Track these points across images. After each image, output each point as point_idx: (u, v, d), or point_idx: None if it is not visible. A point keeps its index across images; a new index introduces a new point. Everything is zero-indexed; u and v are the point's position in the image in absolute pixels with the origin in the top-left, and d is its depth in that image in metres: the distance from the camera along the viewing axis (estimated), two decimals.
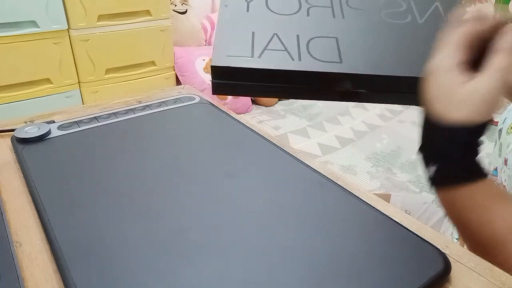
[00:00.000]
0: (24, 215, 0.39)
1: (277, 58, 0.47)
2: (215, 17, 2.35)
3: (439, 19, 0.59)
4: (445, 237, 0.38)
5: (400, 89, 0.50)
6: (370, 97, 0.47)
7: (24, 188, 0.42)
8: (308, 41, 0.49)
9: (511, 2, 1.94)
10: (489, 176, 0.36)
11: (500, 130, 0.57)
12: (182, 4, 2.17)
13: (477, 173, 0.36)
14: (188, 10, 2.18)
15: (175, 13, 2.11)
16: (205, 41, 2.30)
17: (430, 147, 0.37)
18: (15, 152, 0.48)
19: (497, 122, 0.61)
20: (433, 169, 0.36)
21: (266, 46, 0.47)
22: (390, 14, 0.57)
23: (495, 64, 0.34)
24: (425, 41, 0.56)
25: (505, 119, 0.56)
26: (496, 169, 0.57)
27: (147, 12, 1.79)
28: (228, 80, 0.46)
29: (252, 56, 0.46)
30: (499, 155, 0.55)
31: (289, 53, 0.47)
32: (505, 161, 0.51)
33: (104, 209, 0.38)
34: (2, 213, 0.38)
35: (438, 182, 0.37)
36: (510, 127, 0.53)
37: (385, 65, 0.50)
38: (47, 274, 0.32)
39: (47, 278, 0.32)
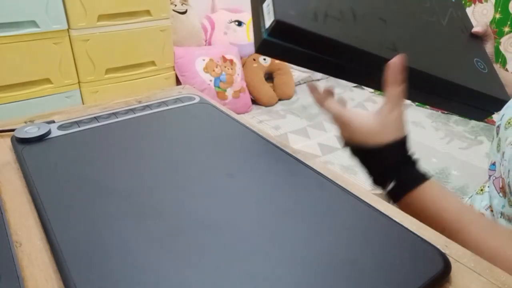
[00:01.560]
0: (24, 215, 0.39)
1: (339, 29, 0.44)
2: (215, 17, 2.35)
3: (457, 25, 0.59)
4: (445, 237, 0.38)
5: (440, 93, 0.52)
6: (410, 93, 0.49)
7: (24, 188, 0.42)
8: (363, 18, 0.47)
9: (511, 2, 1.94)
10: (429, 178, 0.45)
11: (498, 127, 0.57)
12: (182, 4, 2.17)
13: (423, 176, 0.45)
14: (188, 10, 2.18)
15: (175, 13, 2.11)
16: (205, 41, 2.30)
17: (383, 170, 0.46)
18: (15, 152, 0.48)
19: (494, 122, 0.62)
20: (392, 184, 0.45)
21: (327, 12, 0.44)
22: (421, 8, 0.56)
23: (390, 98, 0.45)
24: (450, 45, 0.57)
25: (502, 115, 0.56)
26: (494, 164, 0.57)
27: (147, 12, 1.79)
28: (284, 40, 0.42)
29: (316, 20, 0.43)
30: (498, 150, 0.55)
31: (348, 26, 0.45)
32: (503, 154, 0.51)
33: (104, 209, 0.38)
34: (2, 213, 0.38)
35: (398, 193, 0.45)
36: (508, 122, 0.53)
37: (436, 66, 0.50)
38: (47, 274, 0.32)
39: (47, 278, 0.32)
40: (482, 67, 0.58)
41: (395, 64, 0.44)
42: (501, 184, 0.53)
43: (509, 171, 0.48)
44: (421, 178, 0.44)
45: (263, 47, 0.43)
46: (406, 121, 0.46)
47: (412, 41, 0.52)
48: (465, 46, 0.60)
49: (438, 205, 0.43)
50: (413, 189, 0.44)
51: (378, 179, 0.47)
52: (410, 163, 0.46)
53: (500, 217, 0.52)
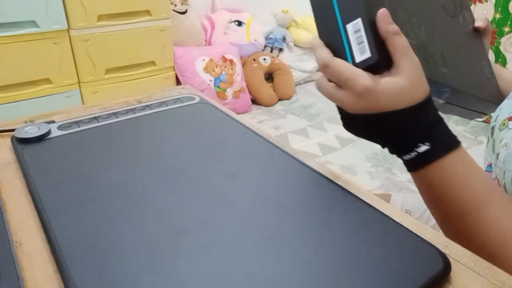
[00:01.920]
0: (24, 215, 0.39)
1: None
2: (215, 17, 2.35)
3: (469, 26, 0.58)
4: (445, 237, 0.38)
5: (451, 101, 0.52)
6: (445, 107, 0.50)
7: (24, 188, 0.42)
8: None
9: (511, 2, 1.94)
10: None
11: (493, 128, 0.57)
12: (182, 4, 2.17)
13: (456, 140, 0.40)
14: (188, 10, 2.18)
15: (175, 13, 2.11)
16: (205, 41, 2.30)
17: (415, 132, 0.40)
18: (15, 152, 0.48)
19: (489, 120, 0.62)
20: (424, 148, 0.39)
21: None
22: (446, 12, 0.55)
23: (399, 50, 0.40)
24: (468, 50, 0.56)
25: (497, 116, 0.56)
26: (490, 165, 0.57)
27: (147, 12, 1.79)
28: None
29: None
30: (493, 151, 0.55)
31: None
32: (497, 156, 0.51)
33: (104, 209, 0.38)
34: (2, 213, 0.38)
35: (426, 159, 0.40)
36: (502, 124, 0.53)
37: (461, 81, 0.51)
38: (47, 274, 0.32)
39: (47, 278, 0.32)
40: (488, 70, 0.58)
41: (382, 16, 0.39)
42: None
43: (504, 172, 0.48)
44: (456, 142, 0.40)
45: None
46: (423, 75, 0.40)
47: (451, 52, 0.51)
48: (475, 48, 0.59)
49: (470, 175, 0.40)
50: (446, 154, 0.39)
51: (403, 145, 0.41)
52: (443, 124, 0.40)
53: None
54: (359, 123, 0.43)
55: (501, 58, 2.02)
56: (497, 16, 2.00)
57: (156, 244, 0.34)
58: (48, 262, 0.33)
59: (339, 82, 0.41)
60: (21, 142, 0.48)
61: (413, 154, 0.40)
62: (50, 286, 0.31)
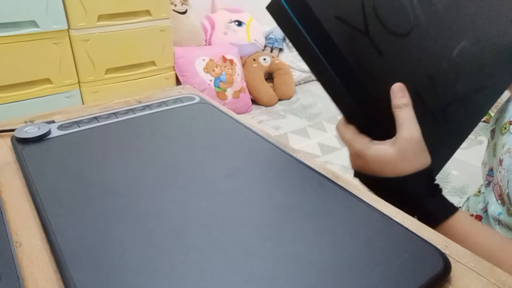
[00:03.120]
0: (24, 215, 0.39)
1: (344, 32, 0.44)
2: (215, 17, 2.35)
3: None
4: (445, 237, 0.38)
5: None
6: None
7: (24, 188, 0.42)
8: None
9: None
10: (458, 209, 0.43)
11: (493, 131, 0.56)
12: (182, 4, 2.17)
13: (448, 210, 0.43)
14: (188, 10, 2.18)
15: (175, 13, 2.11)
16: (205, 41, 2.30)
17: (403, 202, 0.42)
18: (15, 152, 0.48)
19: (488, 119, 0.62)
20: (416, 217, 0.42)
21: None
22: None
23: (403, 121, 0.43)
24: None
25: (497, 119, 0.56)
26: (492, 169, 0.56)
27: (147, 12, 1.79)
28: (292, 10, 0.42)
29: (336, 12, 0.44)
30: (494, 155, 0.54)
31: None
32: (500, 162, 0.50)
33: (104, 209, 0.38)
34: (2, 213, 0.38)
35: (425, 222, 0.41)
36: (503, 127, 0.53)
37: None
38: (47, 274, 0.32)
39: (47, 278, 0.32)
40: None
41: (396, 90, 0.44)
42: (499, 191, 0.52)
43: (508, 181, 0.47)
44: (446, 212, 0.42)
45: (271, 8, 0.44)
46: (423, 150, 0.43)
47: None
48: None
49: (468, 241, 0.41)
50: (438, 225, 0.42)
51: (399, 207, 0.43)
52: (433, 195, 0.43)
53: (498, 224, 0.52)
54: (361, 176, 0.47)
55: None
56: None
57: (156, 244, 0.34)
58: (48, 262, 0.33)
59: (344, 143, 0.47)
60: (21, 142, 0.48)
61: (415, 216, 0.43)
62: (50, 286, 0.31)
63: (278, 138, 0.53)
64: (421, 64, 0.50)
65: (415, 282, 0.31)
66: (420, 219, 0.41)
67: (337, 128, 0.47)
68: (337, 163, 1.73)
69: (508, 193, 0.47)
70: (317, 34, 0.43)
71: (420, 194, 0.43)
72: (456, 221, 0.42)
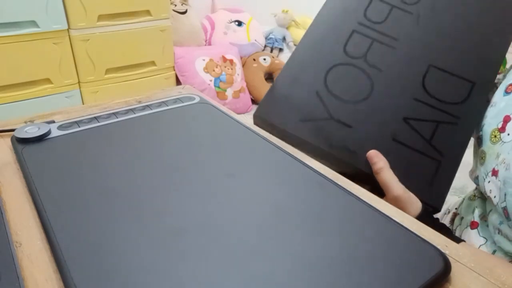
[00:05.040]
0: (24, 215, 0.39)
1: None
2: (215, 17, 2.35)
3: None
4: (445, 237, 0.38)
5: None
6: None
7: (24, 188, 0.42)
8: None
9: None
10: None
11: (479, 138, 0.55)
12: (182, 4, 2.17)
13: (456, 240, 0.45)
14: (188, 10, 2.18)
15: (175, 13, 2.11)
16: (205, 41, 2.30)
17: None
18: (15, 152, 0.48)
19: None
20: None
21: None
22: None
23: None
24: None
25: (482, 125, 0.54)
26: (477, 178, 0.55)
27: (147, 12, 1.79)
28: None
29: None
30: (481, 164, 0.53)
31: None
32: (494, 172, 0.49)
33: (104, 209, 0.38)
34: (2, 213, 0.38)
35: None
36: (493, 135, 0.51)
37: None
38: (47, 274, 0.32)
39: (47, 278, 0.32)
40: None
41: (373, 153, 0.49)
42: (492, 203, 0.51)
43: (505, 194, 0.46)
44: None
45: (257, 118, 0.58)
46: (410, 202, 0.47)
47: None
48: None
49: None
50: None
51: None
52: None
53: (498, 233, 0.51)
54: None
55: None
56: None
57: (156, 244, 0.34)
58: (48, 262, 0.33)
59: None
60: (21, 142, 0.48)
61: None
62: (50, 286, 0.31)
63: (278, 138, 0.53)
64: (391, 112, 0.53)
65: (415, 282, 0.31)
66: None
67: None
68: None
69: (505, 206, 0.47)
70: (293, 140, 0.53)
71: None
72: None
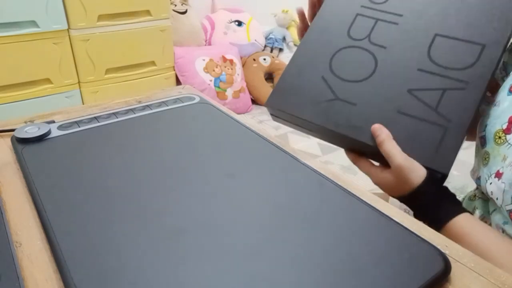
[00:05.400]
0: (24, 215, 0.39)
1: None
2: (215, 17, 2.35)
3: None
4: (445, 237, 0.38)
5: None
6: None
7: (24, 188, 0.42)
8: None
9: None
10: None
11: (483, 138, 0.54)
12: (182, 4, 2.17)
13: (455, 209, 0.47)
14: (188, 10, 2.18)
15: (175, 13, 2.11)
16: (205, 41, 2.30)
17: (419, 210, 0.50)
18: (15, 152, 0.48)
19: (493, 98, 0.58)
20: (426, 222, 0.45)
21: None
22: None
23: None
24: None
25: (485, 126, 0.53)
26: (479, 178, 0.54)
27: (147, 12, 1.79)
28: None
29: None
30: (484, 164, 0.52)
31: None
32: (498, 174, 0.49)
33: (104, 209, 0.38)
34: (2, 213, 0.38)
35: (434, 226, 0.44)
36: (497, 136, 0.51)
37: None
38: (47, 274, 0.32)
39: (47, 278, 0.32)
40: None
41: (375, 126, 0.51)
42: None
43: (511, 197, 0.46)
44: (449, 214, 0.47)
45: (268, 107, 0.58)
46: (414, 168, 0.49)
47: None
48: None
49: (464, 243, 0.43)
50: (442, 227, 0.46)
51: (416, 216, 0.49)
52: (440, 199, 0.49)
53: (502, 232, 0.50)
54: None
55: None
56: None
57: (156, 243, 0.34)
58: (48, 262, 0.33)
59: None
60: (21, 142, 0.48)
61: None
62: (50, 286, 0.31)
63: (278, 138, 0.53)
64: (395, 86, 0.54)
65: (415, 282, 0.31)
66: (430, 225, 0.44)
67: (353, 162, 0.56)
68: (337, 163, 1.73)
69: (511, 210, 0.46)
70: (305, 124, 0.56)
71: (428, 202, 0.48)
72: (457, 222, 0.46)
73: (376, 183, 0.53)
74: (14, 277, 0.31)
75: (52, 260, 0.33)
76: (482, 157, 0.54)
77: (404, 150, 0.49)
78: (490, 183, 0.50)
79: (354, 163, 0.56)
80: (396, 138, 0.50)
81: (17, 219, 0.38)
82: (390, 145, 0.49)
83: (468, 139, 0.64)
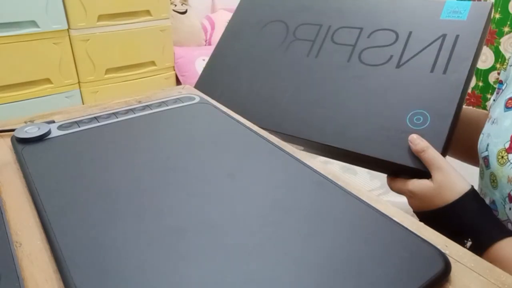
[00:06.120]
0: (24, 215, 0.39)
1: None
2: (215, 17, 2.35)
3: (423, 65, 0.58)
4: (445, 237, 0.38)
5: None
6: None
7: (24, 188, 0.42)
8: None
9: (511, 2, 1.94)
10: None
11: (486, 158, 0.52)
12: (182, 4, 2.17)
13: (496, 233, 0.45)
14: (188, 10, 2.18)
15: (175, 13, 2.11)
16: (205, 41, 2.30)
17: (455, 229, 0.47)
18: (15, 152, 0.48)
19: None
20: (469, 243, 0.45)
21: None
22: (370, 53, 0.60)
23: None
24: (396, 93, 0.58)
25: (487, 145, 0.51)
26: (493, 202, 0.51)
27: (147, 12, 1.79)
28: None
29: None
30: (494, 187, 0.50)
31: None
32: (510, 198, 0.47)
33: (104, 209, 0.38)
34: (2, 213, 0.38)
35: (477, 251, 0.43)
36: (500, 156, 0.49)
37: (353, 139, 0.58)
38: (47, 274, 0.32)
39: (47, 278, 0.32)
40: None
41: (411, 140, 0.51)
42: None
43: None
44: (494, 236, 0.44)
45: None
46: (459, 178, 0.48)
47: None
48: None
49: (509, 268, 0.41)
50: (487, 249, 0.44)
51: (455, 239, 0.45)
52: (484, 215, 0.47)
53: None
54: (420, 215, 0.53)
55: (500, 58, 2.02)
56: (497, 16, 1.99)
57: (156, 243, 0.34)
58: (48, 262, 0.33)
59: (399, 193, 0.55)
60: (21, 142, 0.48)
61: (467, 245, 0.45)
62: (50, 286, 0.31)
63: (278, 138, 0.53)
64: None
65: (415, 282, 0.31)
66: (471, 246, 0.43)
67: (389, 186, 0.56)
68: (337, 163, 1.72)
69: None
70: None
71: (470, 215, 0.47)
72: (504, 244, 0.44)
73: (414, 194, 0.51)
74: (14, 277, 0.31)
75: (52, 260, 0.33)
76: (490, 179, 0.51)
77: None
78: (509, 209, 0.48)
79: (390, 183, 0.55)
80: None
81: (17, 219, 0.38)
82: (433, 152, 0.48)
83: (453, 156, 0.66)
